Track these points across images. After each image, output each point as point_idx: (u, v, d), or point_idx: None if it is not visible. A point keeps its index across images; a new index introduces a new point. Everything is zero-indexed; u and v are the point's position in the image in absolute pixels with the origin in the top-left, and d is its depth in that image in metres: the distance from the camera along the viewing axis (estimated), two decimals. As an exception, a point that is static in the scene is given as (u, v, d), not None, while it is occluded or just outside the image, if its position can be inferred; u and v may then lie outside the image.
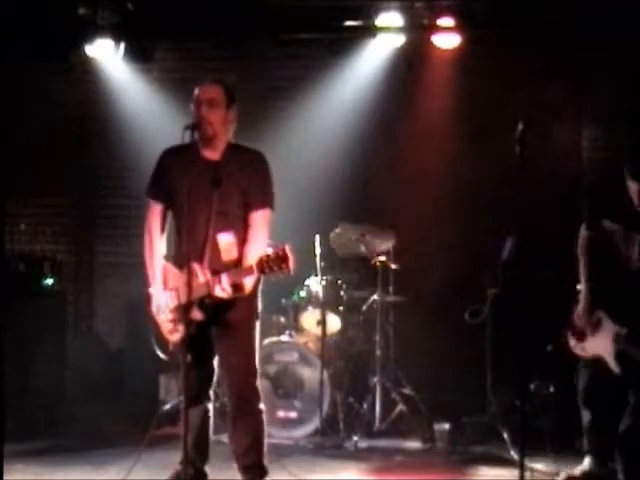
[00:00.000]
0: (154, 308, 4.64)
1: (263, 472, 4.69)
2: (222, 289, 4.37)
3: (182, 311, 4.42)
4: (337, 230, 6.65)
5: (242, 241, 4.57)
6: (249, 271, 4.34)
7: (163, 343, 4.65)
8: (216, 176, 4.52)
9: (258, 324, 4.71)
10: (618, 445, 4.75)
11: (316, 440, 6.20)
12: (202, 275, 4.43)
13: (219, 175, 4.52)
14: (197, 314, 4.43)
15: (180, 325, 4.49)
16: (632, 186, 4.91)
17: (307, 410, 6.33)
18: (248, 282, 4.47)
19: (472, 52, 7.28)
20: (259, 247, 4.50)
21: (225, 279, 4.37)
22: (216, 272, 4.45)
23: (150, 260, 4.69)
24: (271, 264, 4.21)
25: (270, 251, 4.28)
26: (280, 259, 4.20)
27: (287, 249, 4.22)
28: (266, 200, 4.63)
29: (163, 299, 4.59)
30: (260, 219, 4.59)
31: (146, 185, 4.77)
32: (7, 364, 5.42)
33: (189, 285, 4.26)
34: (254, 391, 4.67)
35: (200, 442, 4.71)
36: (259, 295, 4.70)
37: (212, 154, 4.61)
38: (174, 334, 4.56)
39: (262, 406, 4.69)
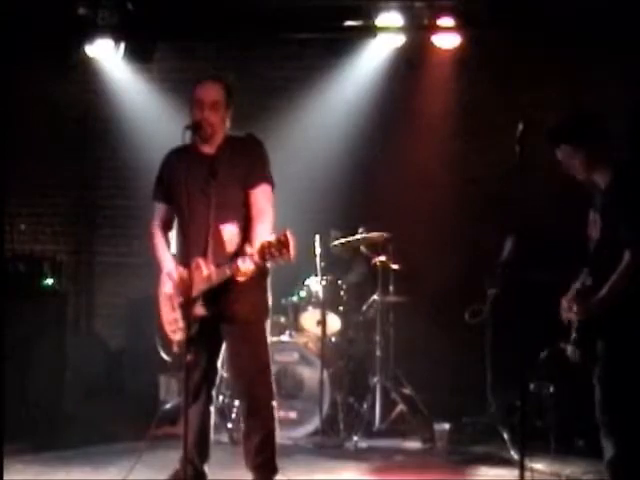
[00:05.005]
0: (167, 289, 4.61)
1: (274, 470, 4.69)
2: (248, 263, 4.28)
3: (185, 307, 4.41)
4: (333, 235, 6.67)
5: (243, 231, 4.55)
6: (251, 258, 4.28)
7: (167, 344, 4.64)
8: (212, 168, 4.51)
9: (269, 321, 4.70)
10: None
11: (316, 440, 6.20)
12: (206, 268, 4.42)
13: (215, 167, 4.51)
14: (200, 309, 4.43)
15: (183, 323, 4.48)
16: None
17: (307, 410, 6.33)
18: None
19: (472, 52, 7.28)
20: (266, 225, 4.49)
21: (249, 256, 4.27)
22: (219, 265, 4.44)
23: (159, 252, 4.69)
24: (272, 250, 4.15)
25: (272, 237, 4.22)
26: (281, 244, 4.13)
27: (288, 233, 4.14)
28: (264, 176, 4.62)
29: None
30: (261, 194, 4.57)
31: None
32: (7, 364, 5.43)
33: (190, 281, 4.27)
34: (266, 387, 4.66)
35: (200, 442, 4.71)
36: (269, 290, 4.69)
37: (208, 149, 4.64)
38: (177, 333, 4.56)
39: (274, 403, 4.69)
